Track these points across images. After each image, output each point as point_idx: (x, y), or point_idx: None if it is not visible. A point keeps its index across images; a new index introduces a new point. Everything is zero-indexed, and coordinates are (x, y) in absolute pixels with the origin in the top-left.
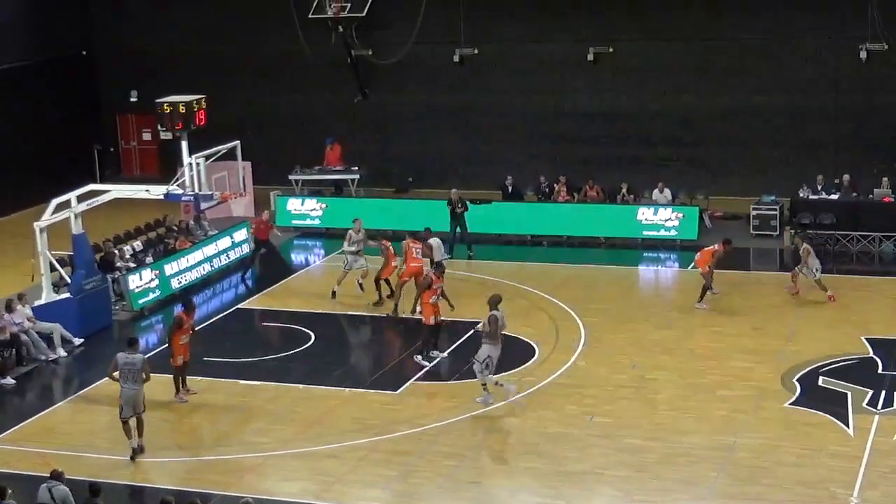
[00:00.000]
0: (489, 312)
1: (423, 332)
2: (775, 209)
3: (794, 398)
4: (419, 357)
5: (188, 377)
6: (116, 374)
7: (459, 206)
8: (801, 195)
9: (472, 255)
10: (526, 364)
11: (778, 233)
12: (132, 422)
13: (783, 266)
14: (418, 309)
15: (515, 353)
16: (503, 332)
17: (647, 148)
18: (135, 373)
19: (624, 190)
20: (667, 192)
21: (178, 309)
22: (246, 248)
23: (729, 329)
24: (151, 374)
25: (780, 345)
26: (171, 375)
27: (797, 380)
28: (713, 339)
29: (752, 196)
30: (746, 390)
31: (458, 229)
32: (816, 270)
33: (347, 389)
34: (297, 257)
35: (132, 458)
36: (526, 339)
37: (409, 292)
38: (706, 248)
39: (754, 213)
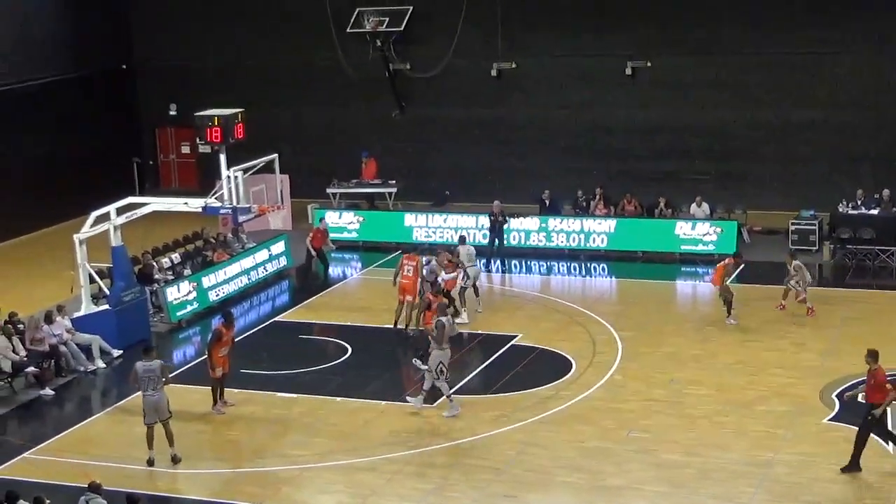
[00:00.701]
0: (436, 318)
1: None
2: (814, 224)
3: (832, 414)
4: (417, 361)
5: (226, 389)
6: (137, 384)
7: (501, 217)
8: (841, 210)
9: (503, 270)
10: (563, 378)
11: (817, 248)
12: (158, 430)
13: (822, 281)
14: (415, 327)
15: (552, 368)
16: (451, 336)
17: (685, 162)
18: (155, 379)
19: (662, 204)
20: (705, 206)
21: (216, 321)
22: (284, 261)
23: (767, 344)
24: (194, 385)
25: (819, 360)
26: (210, 387)
27: (836, 395)
28: (751, 354)
29: (791, 210)
30: (784, 406)
31: (496, 242)
32: (805, 285)
33: (384, 402)
34: (334, 270)
35: (149, 464)
36: (563, 353)
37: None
38: (718, 265)
39: (793, 227)
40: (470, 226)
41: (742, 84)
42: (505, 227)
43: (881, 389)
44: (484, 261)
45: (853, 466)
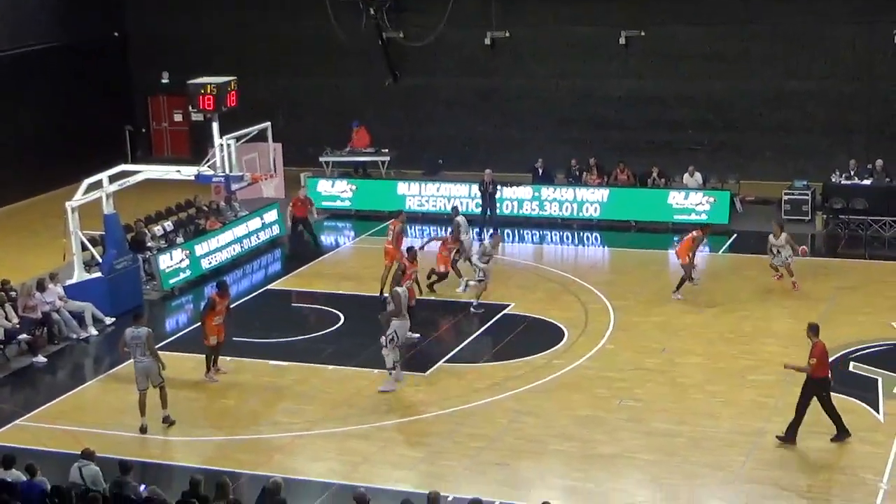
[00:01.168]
0: (393, 288)
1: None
2: (807, 194)
3: None
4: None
5: (220, 357)
6: (127, 349)
7: (492, 186)
8: (834, 180)
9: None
10: (555, 347)
11: (810, 218)
12: (152, 397)
13: (815, 251)
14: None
15: (545, 336)
16: (410, 306)
17: (679, 132)
18: (142, 345)
19: (655, 174)
20: (698, 176)
21: (211, 290)
22: (276, 230)
23: (759, 313)
24: (187, 353)
25: None
26: (204, 355)
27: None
28: (743, 323)
29: (783, 181)
30: (776, 375)
31: (488, 211)
32: (789, 257)
33: (376, 371)
34: (326, 239)
35: (142, 431)
36: (555, 322)
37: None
38: (686, 237)
39: (786, 197)
40: (463, 195)
41: (736, 54)
42: (497, 196)
43: (822, 363)
44: (476, 230)
45: (841, 433)
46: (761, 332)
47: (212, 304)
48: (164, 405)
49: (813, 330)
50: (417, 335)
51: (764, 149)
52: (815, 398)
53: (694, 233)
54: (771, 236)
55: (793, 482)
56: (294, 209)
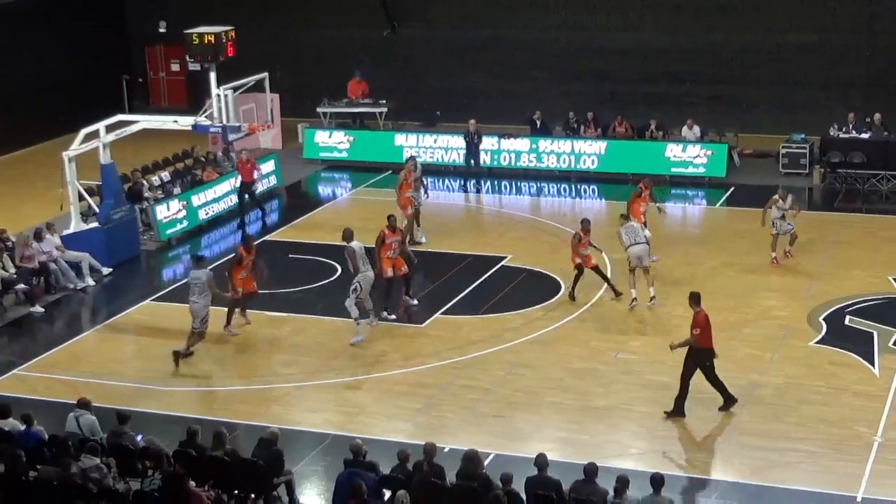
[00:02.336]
0: (345, 246)
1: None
2: (805, 148)
3: (819, 337)
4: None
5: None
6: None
7: (476, 137)
8: (832, 134)
9: (478, 189)
10: (552, 299)
11: (807, 171)
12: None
13: (812, 205)
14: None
15: (542, 289)
16: (369, 256)
17: (677, 85)
18: (200, 286)
19: (653, 126)
20: (696, 129)
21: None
22: (273, 180)
23: (756, 267)
24: (183, 304)
25: (807, 283)
26: (226, 308)
27: (823, 319)
28: (739, 276)
29: (781, 134)
30: (771, 329)
31: (472, 161)
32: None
33: (371, 322)
34: (323, 190)
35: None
36: (552, 275)
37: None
38: (637, 197)
39: (784, 151)
40: (460, 146)
41: (735, 6)
42: (481, 146)
43: (704, 333)
44: (461, 180)
45: (728, 402)
46: (757, 286)
47: (238, 259)
48: (186, 343)
49: (694, 299)
50: (415, 301)
51: (762, 102)
52: (699, 369)
53: (644, 193)
54: (778, 200)
55: (787, 435)
56: (242, 174)
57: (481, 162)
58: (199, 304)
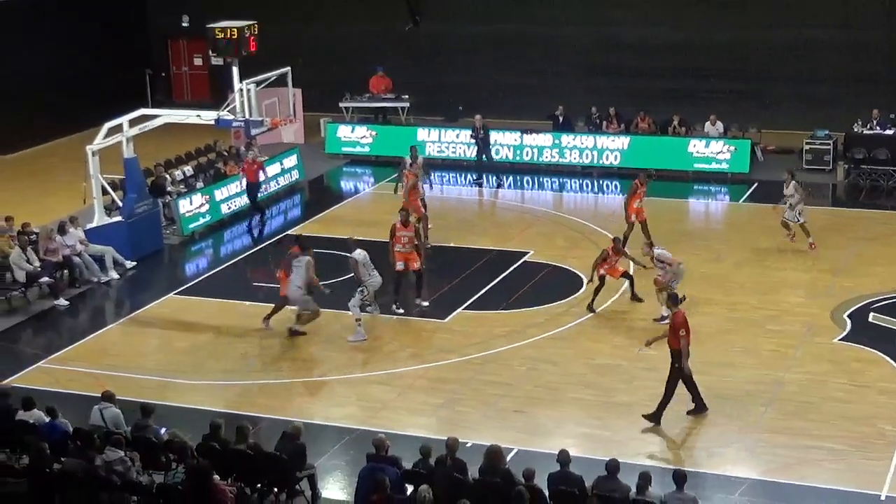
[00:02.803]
0: (348, 257)
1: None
2: (829, 144)
3: (843, 334)
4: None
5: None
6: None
7: (482, 132)
8: (856, 130)
9: (498, 185)
10: (575, 295)
11: (831, 167)
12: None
13: (836, 201)
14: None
15: (564, 284)
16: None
17: (700, 80)
18: (300, 271)
19: (675, 122)
20: (719, 124)
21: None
22: (296, 175)
23: (779, 263)
24: (206, 297)
25: (832, 280)
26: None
27: (847, 315)
28: (763, 273)
29: (805, 130)
30: (795, 325)
31: (482, 156)
32: (800, 213)
33: (396, 317)
34: (346, 185)
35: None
36: (575, 271)
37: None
38: (633, 195)
39: (807, 147)
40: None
41: (760, 2)
42: (491, 141)
43: (675, 335)
44: (474, 175)
45: (699, 408)
46: (781, 282)
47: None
48: (297, 319)
49: (672, 300)
50: (426, 303)
51: (786, 98)
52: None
53: (640, 190)
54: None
55: (811, 432)
56: (247, 174)
57: (492, 155)
58: (302, 291)
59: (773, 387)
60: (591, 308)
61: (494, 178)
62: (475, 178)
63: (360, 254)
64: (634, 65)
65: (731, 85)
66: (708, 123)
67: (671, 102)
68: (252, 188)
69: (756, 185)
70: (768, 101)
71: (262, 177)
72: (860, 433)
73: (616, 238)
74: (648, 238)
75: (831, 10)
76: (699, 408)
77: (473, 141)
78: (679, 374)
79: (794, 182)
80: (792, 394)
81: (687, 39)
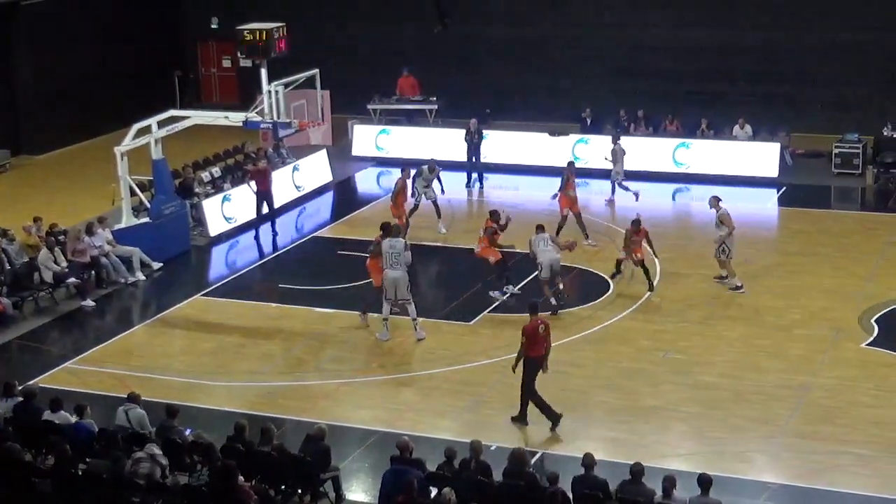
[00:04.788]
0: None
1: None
2: (858, 147)
3: (871, 339)
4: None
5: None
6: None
7: (476, 136)
8: (886, 134)
9: (481, 186)
10: (600, 298)
11: (860, 171)
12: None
13: (865, 205)
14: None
15: (590, 287)
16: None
17: (729, 83)
18: (397, 256)
19: (704, 125)
20: (748, 128)
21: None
22: (327, 176)
23: (807, 267)
24: (232, 299)
25: (860, 285)
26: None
27: (875, 321)
28: (791, 277)
29: (834, 133)
30: (823, 330)
31: (473, 159)
32: (725, 248)
33: (421, 319)
34: (373, 187)
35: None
36: (601, 274)
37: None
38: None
39: (836, 151)
40: (509, 144)
41: (789, 4)
42: (481, 143)
43: (530, 342)
44: (466, 176)
45: (521, 418)
46: (809, 287)
47: (378, 248)
48: (413, 321)
49: (531, 308)
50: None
51: (815, 101)
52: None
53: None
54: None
55: (838, 437)
56: (257, 182)
57: (481, 158)
58: (398, 274)
59: (800, 391)
60: (651, 288)
61: (479, 180)
62: (467, 179)
63: (386, 243)
64: (663, 67)
65: (760, 88)
66: (736, 127)
67: (700, 105)
68: (262, 197)
69: (785, 188)
70: (798, 104)
71: (272, 185)
72: (888, 438)
73: (634, 220)
74: (584, 231)
75: (861, 13)
76: (520, 417)
77: (467, 143)
78: (533, 377)
79: (724, 207)
80: (819, 398)
81: (716, 42)
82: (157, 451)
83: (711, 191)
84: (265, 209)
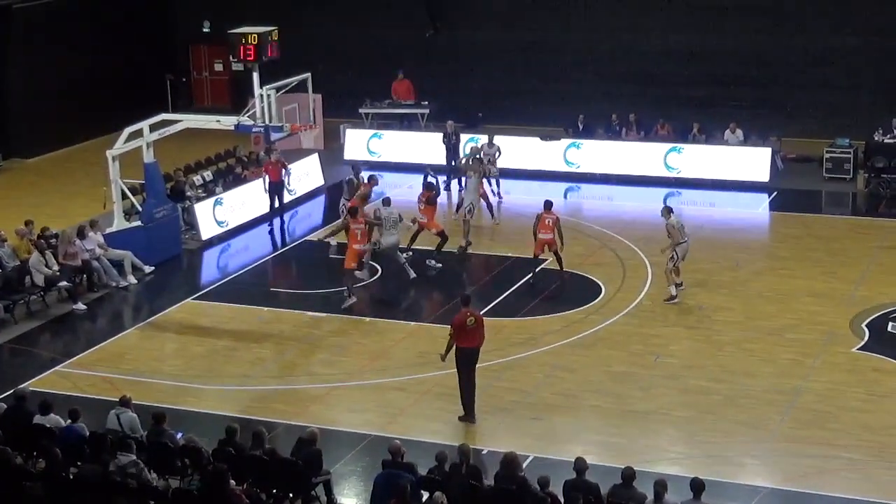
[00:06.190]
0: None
1: None
2: (849, 152)
3: (862, 343)
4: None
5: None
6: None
7: (454, 138)
8: (876, 138)
9: (461, 188)
10: (592, 302)
11: (851, 176)
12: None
13: (855, 210)
14: None
15: (582, 292)
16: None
17: (721, 88)
18: (394, 221)
19: (695, 130)
20: (739, 132)
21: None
22: (315, 181)
23: (798, 272)
24: (224, 302)
25: (850, 289)
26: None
27: (866, 325)
28: (782, 281)
29: (825, 138)
30: (814, 334)
31: (453, 162)
32: (673, 257)
33: (413, 323)
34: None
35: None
36: (592, 278)
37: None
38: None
39: (828, 155)
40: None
41: (780, 9)
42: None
43: (459, 334)
44: (444, 179)
45: (468, 416)
46: (800, 291)
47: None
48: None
49: (462, 300)
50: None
51: (806, 106)
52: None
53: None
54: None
55: (829, 442)
56: (269, 173)
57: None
58: (395, 238)
59: (791, 395)
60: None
61: (458, 182)
62: (445, 182)
63: (385, 210)
64: (654, 72)
65: (751, 92)
66: (728, 131)
67: (691, 110)
68: (275, 188)
69: (776, 193)
70: (789, 109)
71: (284, 176)
72: (879, 443)
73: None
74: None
75: (852, 18)
76: (466, 416)
77: (445, 146)
78: (467, 370)
79: (673, 217)
80: (810, 403)
81: (707, 47)
82: (127, 460)
83: (703, 195)
84: (276, 203)
